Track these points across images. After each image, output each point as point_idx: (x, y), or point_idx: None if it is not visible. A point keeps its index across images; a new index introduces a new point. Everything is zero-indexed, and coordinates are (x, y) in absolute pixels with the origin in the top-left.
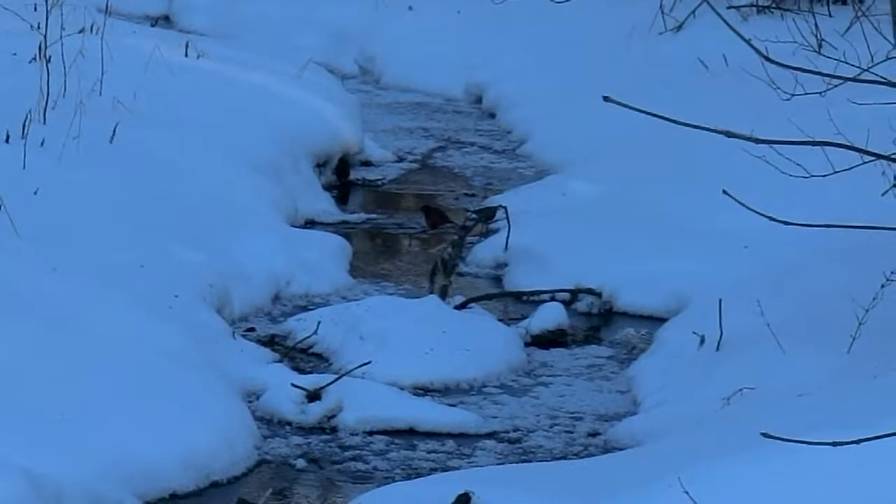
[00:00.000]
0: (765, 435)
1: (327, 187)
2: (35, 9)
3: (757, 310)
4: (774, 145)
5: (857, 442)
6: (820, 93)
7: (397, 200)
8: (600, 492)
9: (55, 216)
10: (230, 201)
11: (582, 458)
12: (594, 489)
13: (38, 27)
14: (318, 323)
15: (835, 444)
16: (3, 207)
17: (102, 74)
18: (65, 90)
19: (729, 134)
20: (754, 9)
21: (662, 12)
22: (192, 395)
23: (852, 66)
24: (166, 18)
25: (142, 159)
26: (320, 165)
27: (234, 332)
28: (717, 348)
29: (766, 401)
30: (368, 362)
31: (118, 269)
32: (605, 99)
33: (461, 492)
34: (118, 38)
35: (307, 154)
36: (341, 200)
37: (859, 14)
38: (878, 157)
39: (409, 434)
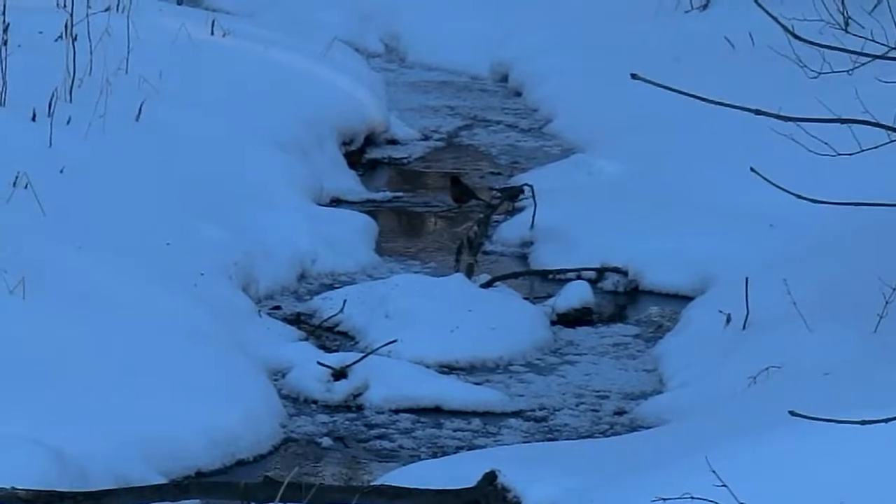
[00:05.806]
0: (792, 413)
1: (353, 165)
2: None
3: (783, 288)
4: (801, 123)
5: (886, 421)
6: (847, 71)
7: (423, 179)
8: (626, 470)
9: (81, 194)
10: (256, 179)
11: (608, 436)
12: (620, 468)
13: (64, 5)
14: (344, 301)
15: (863, 422)
16: (29, 185)
17: (128, 53)
18: (91, 68)
19: (758, 112)
20: None
21: None
22: (218, 373)
23: (879, 44)
24: None
25: (167, 138)
26: (346, 144)
27: (259, 311)
28: (744, 327)
29: (792, 380)
30: (394, 340)
31: (143, 246)
32: (633, 76)
33: (487, 470)
34: (144, 16)
35: (333, 132)
36: (367, 179)
37: None
38: None
39: (435, 412)
